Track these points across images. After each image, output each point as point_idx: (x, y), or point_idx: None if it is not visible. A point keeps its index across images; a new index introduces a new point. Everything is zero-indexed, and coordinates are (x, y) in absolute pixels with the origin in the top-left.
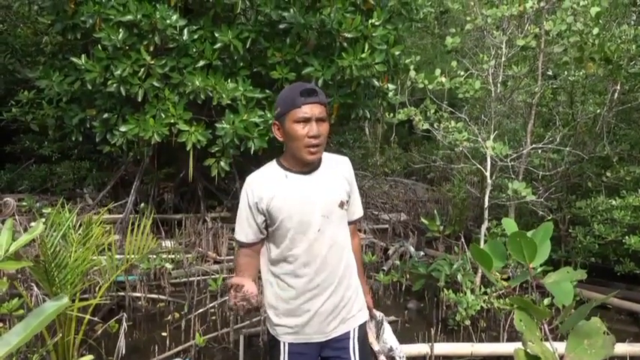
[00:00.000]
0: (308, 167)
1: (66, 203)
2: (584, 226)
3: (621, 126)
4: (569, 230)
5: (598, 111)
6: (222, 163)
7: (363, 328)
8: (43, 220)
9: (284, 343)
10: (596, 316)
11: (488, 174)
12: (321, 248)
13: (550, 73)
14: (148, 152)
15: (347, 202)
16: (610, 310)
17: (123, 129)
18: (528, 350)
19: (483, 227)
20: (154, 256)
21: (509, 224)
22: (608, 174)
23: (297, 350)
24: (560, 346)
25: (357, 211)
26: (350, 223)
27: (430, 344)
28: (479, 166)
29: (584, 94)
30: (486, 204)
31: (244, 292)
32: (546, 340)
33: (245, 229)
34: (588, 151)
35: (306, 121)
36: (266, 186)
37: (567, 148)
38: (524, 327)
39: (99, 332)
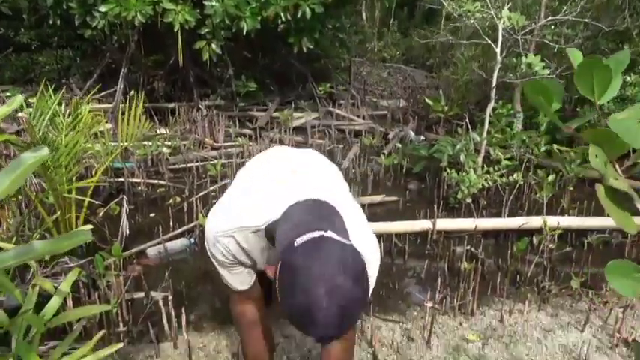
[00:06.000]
0: None
1: (53, 93)
2: (592, 104)
3: None
4: (577, 109)
5: None
6: (213, 46)
7: None
8: (24, 96)
9: None
10: None
11: (498, 50)
12: None
13: None
14: (132, 36)
15: None
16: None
17: (103, 9)
18: (612, 185)
19: (489, 107)
20: (150, 143)
21: (576, 55)
22: (626, 48)
23: None
24: None
25: None
26: None
27: (432, 220)
28: (489, 41)
29: None
30: (494, 82)
31: None
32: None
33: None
34: (606, 24)
35: None
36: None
37: (585, 19)
38: (600, 163)
39: (100, 215)
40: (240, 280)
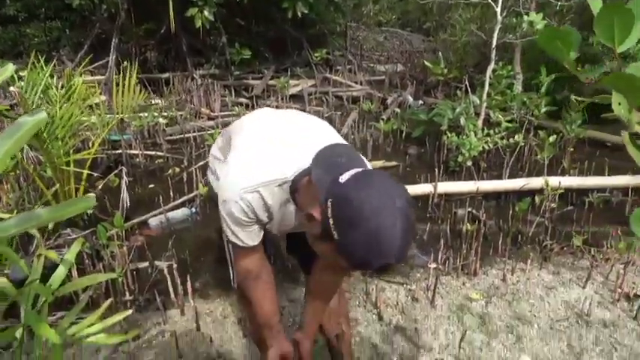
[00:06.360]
0: None
1: (44, 65)
2: (593, 63)
3: None
4: (578, 68)
5: None
6: (205, 13)
7: None
8: (15, 66)
9: None
10: None
11: (498, 9)
12: None
13: None
14: (122, 5)
15: None
16: (608, 147)
17: None
18: (637, 131)
19: (489, 69)
20: (146, 114)
21: (595, 2)
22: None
23: None
24: None
25: None
26: None
27: (434, 183)
28: (489, 0)
29: None
30: (494, 43)
31: None
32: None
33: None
34: None
35: None
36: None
37: None
38: (623, 111)
39: (100, 187)
40: (252, 237)
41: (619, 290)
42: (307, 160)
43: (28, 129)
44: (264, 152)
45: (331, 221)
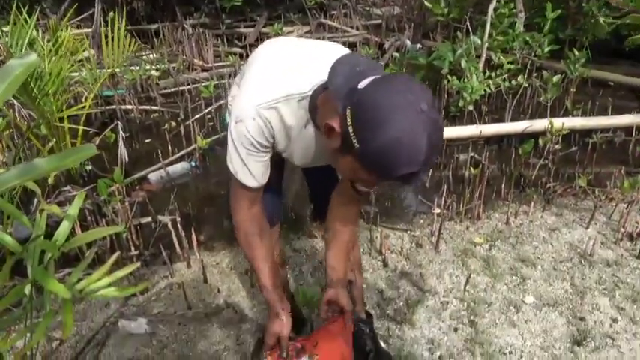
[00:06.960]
0: None
1: (27, 17)
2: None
3: None
4: (583, 4)
5: None
6: None
7: None
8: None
9: None
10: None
11: None
12: None
13: None
14: None
15: None
16: (611, 87)
17: None
18: None
19: (491, 7)
20: (137, 67)
21: None
22: None
23: None
24: None
25: None
26: None
27: None
28: None
29: None
30: None
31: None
32: None
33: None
34: None
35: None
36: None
37: None
38: None
39: (97, 143)
40: (262, 171)
41: (622, 230)
42: (326, 75)
43: (19, 72)
44: (281, 68)
45: (351, 129)
